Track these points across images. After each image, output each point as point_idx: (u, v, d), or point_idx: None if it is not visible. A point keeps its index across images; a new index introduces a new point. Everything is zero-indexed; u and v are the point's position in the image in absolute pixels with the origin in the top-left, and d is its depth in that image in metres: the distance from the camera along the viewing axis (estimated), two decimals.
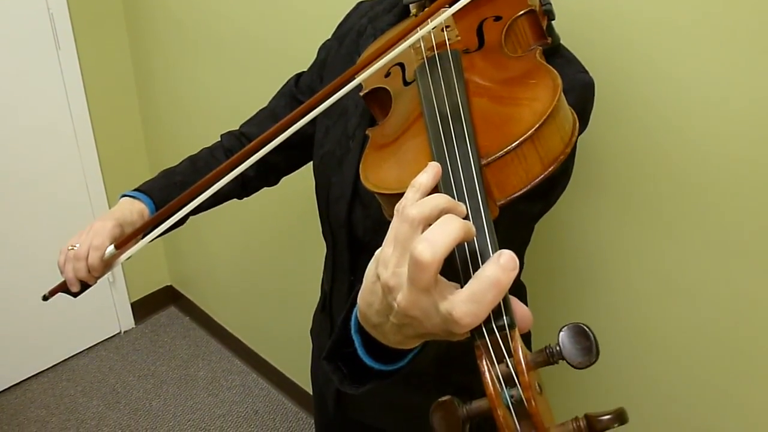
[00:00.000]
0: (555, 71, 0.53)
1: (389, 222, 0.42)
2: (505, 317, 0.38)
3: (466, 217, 0.42)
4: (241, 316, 2.30)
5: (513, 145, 0.46)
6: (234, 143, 1.01)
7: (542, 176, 0.47)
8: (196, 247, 2.34)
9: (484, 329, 0.38)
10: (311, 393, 1.20)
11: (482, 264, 0.40)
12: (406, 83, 0.67)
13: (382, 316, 0.43)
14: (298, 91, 0.98)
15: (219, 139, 1.04)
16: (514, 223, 0.69)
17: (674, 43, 0.90)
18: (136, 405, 2.15)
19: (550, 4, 0.68)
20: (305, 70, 0.99)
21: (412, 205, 0.40)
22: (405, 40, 0.64)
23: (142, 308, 2.53)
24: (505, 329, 0.38)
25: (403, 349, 0.46)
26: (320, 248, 0.95)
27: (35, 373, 2.25)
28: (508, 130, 0.48)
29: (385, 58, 0.65)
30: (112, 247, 0.86)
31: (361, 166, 0.59)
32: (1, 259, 2.05)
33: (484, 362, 0.37)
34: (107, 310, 2.40)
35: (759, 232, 0.92)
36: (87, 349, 2.38)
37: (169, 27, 1.94)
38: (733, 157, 0.90)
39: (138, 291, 2.50)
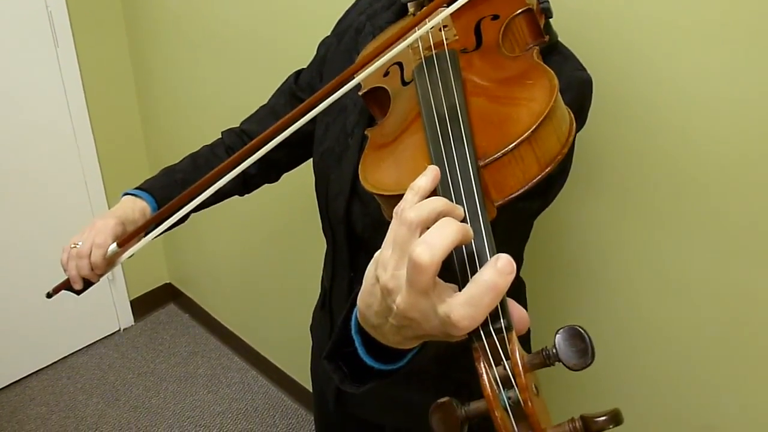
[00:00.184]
0: (552, 72, 0.53)
1: (388, 221, 0.42)
2: (502, 320, 0.38)
3: (463, 220, 0.42)
4: (241, 313, 2.30)
5: (510, 146, 0.46)
6: (235, 140, 1.02)
7: (539, 177, 0.47)
8: (195, 244, 2.34)
9: (481, 332, 0.38)
10: (311, 390, 1.20)
11: (479, 265, 0.40)
12: (404, 83, 0.67)
13: (381, 318, 0.43)
14: (297, 88, 0.98)
15: (219, 136, 1.05)
16: (513, 220, 0.69)
17: (673, 40, 0.90)
18: (135, 402, 2.16)
19: (548, 2, 0.68)
20: (304, 67, 1.00)
21: (411, 208, 0.40)
22: (403, 40, 0.64)
23: (142, 306, 2.53)
24: (503, 332, 0.38)
25: (403, 348, 0.46)
26: (320, 245, 0.95)
27: (35, 370, 2.26)
28: (505, 131, 0.48)
29: (383, 58, 0.65)
30: (114, 244, 0.87)
31: (360, 166, 0.59)
32: (0, 258, 2.05)
33: (482, 364, 0.38)
34: (107, 307, 2.41)
35: (759, 231, 0.92)
36: (87, 346, 2.38)
37: (167, 25, 1.93)
38: (732, 155, 0.91)
39: (137, 288, 2.51)
